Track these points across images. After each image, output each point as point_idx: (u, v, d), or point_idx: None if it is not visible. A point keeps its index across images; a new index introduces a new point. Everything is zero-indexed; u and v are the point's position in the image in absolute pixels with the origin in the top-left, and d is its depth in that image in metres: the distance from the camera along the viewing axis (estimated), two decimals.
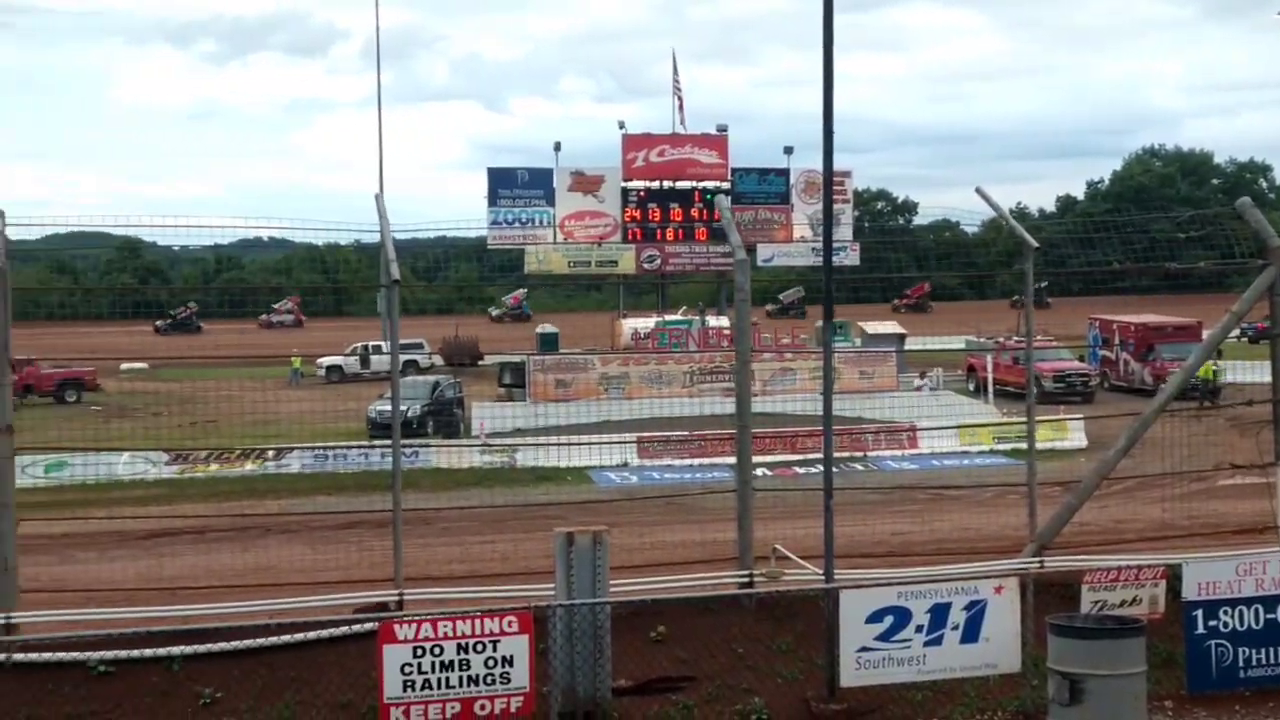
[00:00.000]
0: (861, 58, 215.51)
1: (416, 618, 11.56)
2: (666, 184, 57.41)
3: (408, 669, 11.25)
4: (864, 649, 12.40)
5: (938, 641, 12.53)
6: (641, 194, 57.13)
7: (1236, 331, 16.92)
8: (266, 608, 13.92)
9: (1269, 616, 13.39)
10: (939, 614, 12.52)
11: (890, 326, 59.11)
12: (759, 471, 15.76)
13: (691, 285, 67.16)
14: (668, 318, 57.89)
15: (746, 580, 14.55)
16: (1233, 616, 13.33)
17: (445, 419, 42.44)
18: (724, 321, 54.88)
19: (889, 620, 12.45)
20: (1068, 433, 38.07)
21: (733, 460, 14.80)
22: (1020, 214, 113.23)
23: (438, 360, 61.27)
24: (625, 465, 35.00)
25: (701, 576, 15.18)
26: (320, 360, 59.46)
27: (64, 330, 52.48)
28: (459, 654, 11.35)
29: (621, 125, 57.93)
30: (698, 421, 37.84)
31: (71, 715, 11.88)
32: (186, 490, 30.97)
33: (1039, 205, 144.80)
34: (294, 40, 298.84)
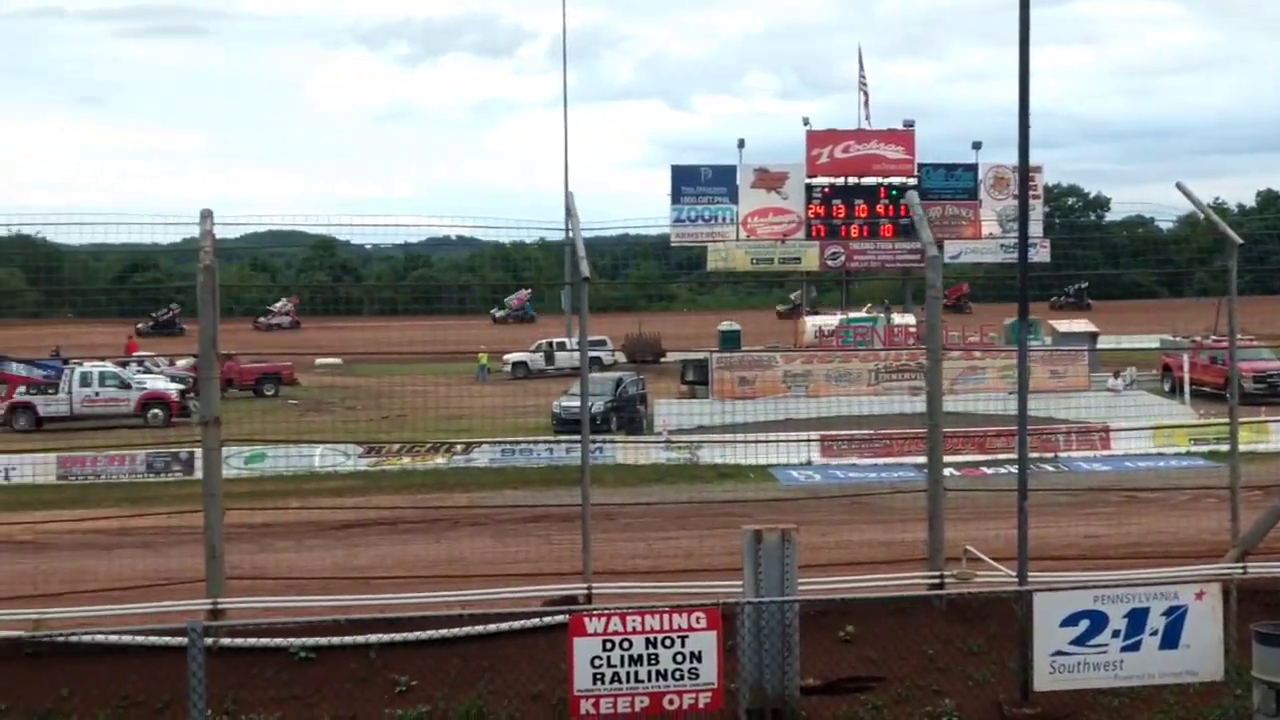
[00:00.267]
0: (1051, 51, 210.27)
1: (606, 611, 11.64)
2: (851, 180, 56.93)
3: (597, 662, 11.34)
4: (1058, 653, 12.11)
5: (1135, 647, 12.17)
6: (826, 190, 56.74)
7: None
8: (457, 598, 14.18)
9: None
10: (1137, 619, 12.16)
11: (1082, 324, 57.63)
12: (946, 471, 15.50)
13: (875, 282, 66.51)
14: (852, 315, 57.38)
15: (937, 581, 14.36)
16: None
17: (628, 415, 42.76)
18: (909, 319, 54.20)
19: (1084, 624, 12.13)
20: (1269, 435, 36.71)
21: (919, 460, 14.65)
22: (1219, 209, 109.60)
23: (620, 357, 61.73)
24: (808, 463, 34.78)
25: (890, 577, 15.02)
26: (506, 356, 60.39)
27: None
28: (648, 648, 11.39)
29: (806, 121, 57.67)
30: (882, 420, 37.44)
31: (275, 699, 12.26)
32: (379, 482, 31.72)
33: (1238, 200, 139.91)
34: (483, 41, 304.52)
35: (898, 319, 55.29)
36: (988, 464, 32.92)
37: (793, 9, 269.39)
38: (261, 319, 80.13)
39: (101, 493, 31.09)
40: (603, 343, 61.30)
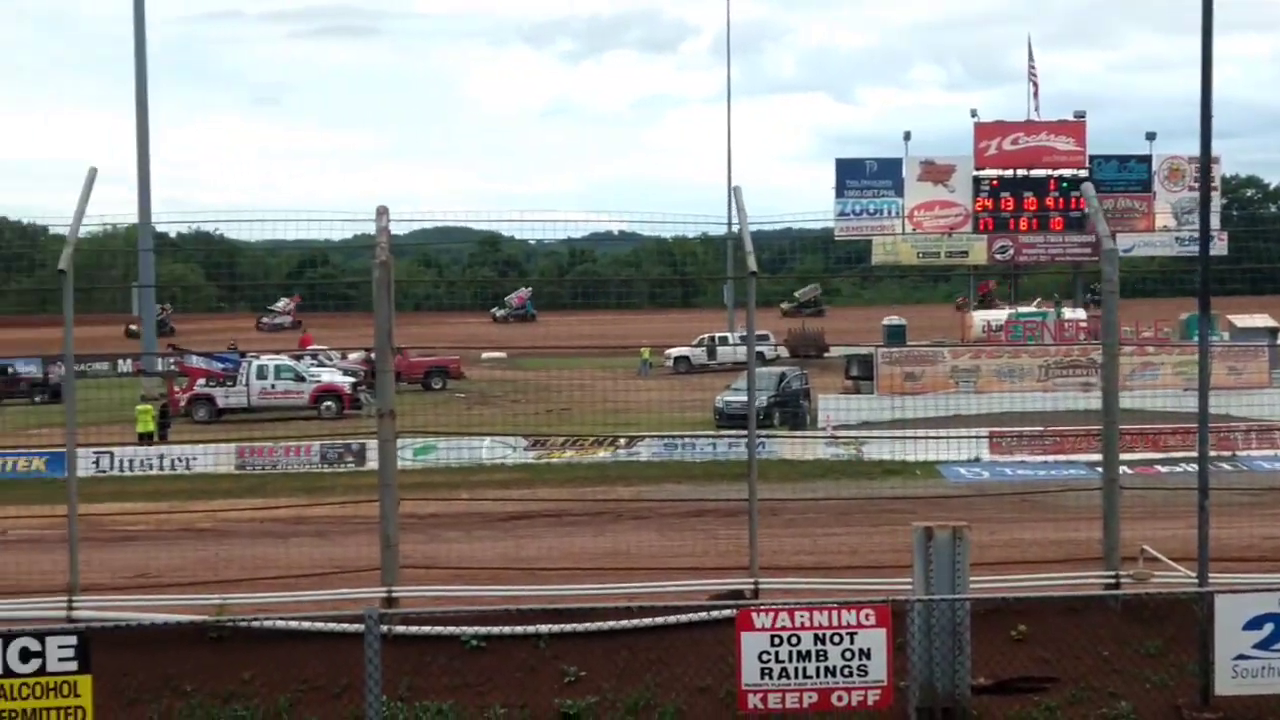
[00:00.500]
0: (1227, 39, 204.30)
1: (774, 607, 11.63)
2: (1020, 172, 55.91)
3: (765, 657, 11.33)
4: (1241, 656, 11.76)
5: None
6: (994, 183, 55.82)
7: None
8: (624, 590, 14.27)
9: None
10: None
11: (1262, 320, 55.77)
12: (1120, 469, 15.13)
13: (1045, 276, 65.24)
14: (1021, 310, 56.36)
15: (1113, 581, 14.04)
16: None
17: (791, 410, 42.56)
18: (1080, 314, 53.04)
19: (1269, 628, 11.75)
20: None
21: (1090, 457, 14.32)
22: None
23: (783, 352, 61.49)
24: (976, 460, 34.23)
25: (1062, 576, 14.73)
26: (668, 351, 60.56)
27: (431, 320, 55.28)
28: (816, 644, 11.35)
29: (974, 113, 56.85)
30: (1052, 417, 36.69)
31: (448, 687, 12.50)
32: (544, 475, 32.04)
33: None
34: (646, 37, 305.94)
35: (1068, 313, 54.12)
36: (1162, 462, 32.06)
37: None
38: (265, 319, 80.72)
39: (278, 482, 31.94)
40: (765, 337, 61.15)
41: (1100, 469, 14.98)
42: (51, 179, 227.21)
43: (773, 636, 11.34)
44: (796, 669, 11.33)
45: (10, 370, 53.96)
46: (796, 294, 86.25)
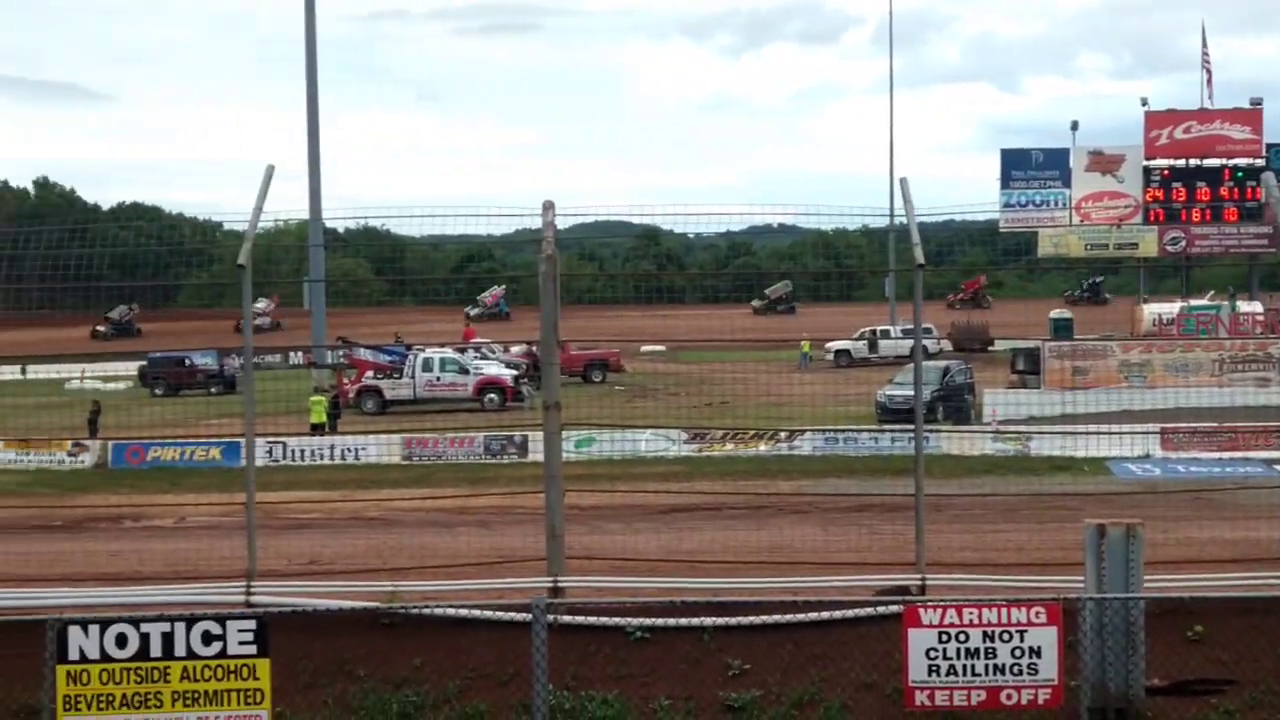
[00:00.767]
0: None
1: (942, 603, 11.48)
2: (1193, 162, 54.42)
3: (932, 653, 11.20)
4: None
5: None
6: (1165, 173, 54.41)
7: None
8: (786, 584, 14.23)
9: None
10: None
11: None
12: None
13: (1218, 268, 63.36)
14: (1194, 302, 54.81)
15: None
16: None
17: (955, 405, 41.91)
18: (1256, 307, 51.40)
19: None
20: None
21: (1268, 454, 13.88)
22: None
23: (946, 345, 60.64)
24: (1147, 457, 33.38)
25: (1240, 576, 14.31)
26: (829, 344, 60.13)
27: (591, 313, 55.64)
28: (985, 642, 11.19)
29: (1144, 102, 55.47)
30: (1227, 412, 35.62)
31: (613, 677, 12.59)
32: (703, 468, 32.07)
33: None
34: (807, 29, 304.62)
35: (1244, 306, 52.45)
36: None
37: None
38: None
39: (443, 473, 32.46)
40: (928, 330, 60.33)
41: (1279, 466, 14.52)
42: (226, 176, 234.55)
43: (940, 633, 11.21)
44: (965, 666, 11.19)
45: (188, 362, 55.73)
46: (767, 290, 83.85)
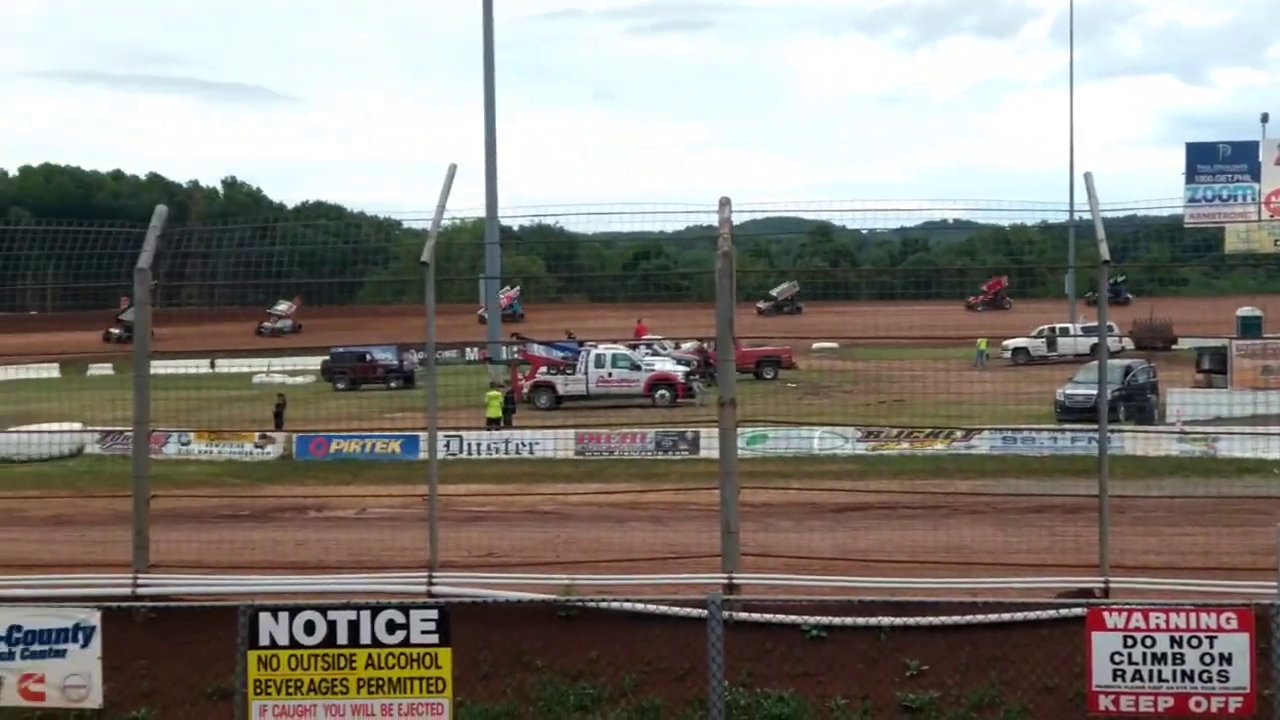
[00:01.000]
0: None
1: (1127, 607, 11.20)
2: None
3: (1117, 658, 10.93)
4: None
5: None
6: None
7: None
8: (965, 585, 14.03)
9: None
10: None
11: None
12: None
13: None
14: None
15: None
16: None
17: (1137, 404, 40.83)
18: None
19: None
20: None
21: None
22: None
23: (1127, 343, 59.09)
24: None
25: None
26: (1006, 342, 59.04)
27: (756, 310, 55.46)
28: (1172, 647, 10.88)
29: None
30: None
31: (789, 675, 12.57)
32: (877, 466, 31.72)
33: None
34: (984, 22, 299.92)
35: None
36: None
37: None
38: (266, 323, 77.41)
39: (615, 468, 32.68)
40: (1109, 329, 58.83)
41: None
42: (404, 175, 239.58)
43: (1125, 637, 10.94)
44: (1151, 672, 10.90)
45: (369, 357, 57.02)
46: (774, 291, 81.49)
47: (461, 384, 37.00)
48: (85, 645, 12.03)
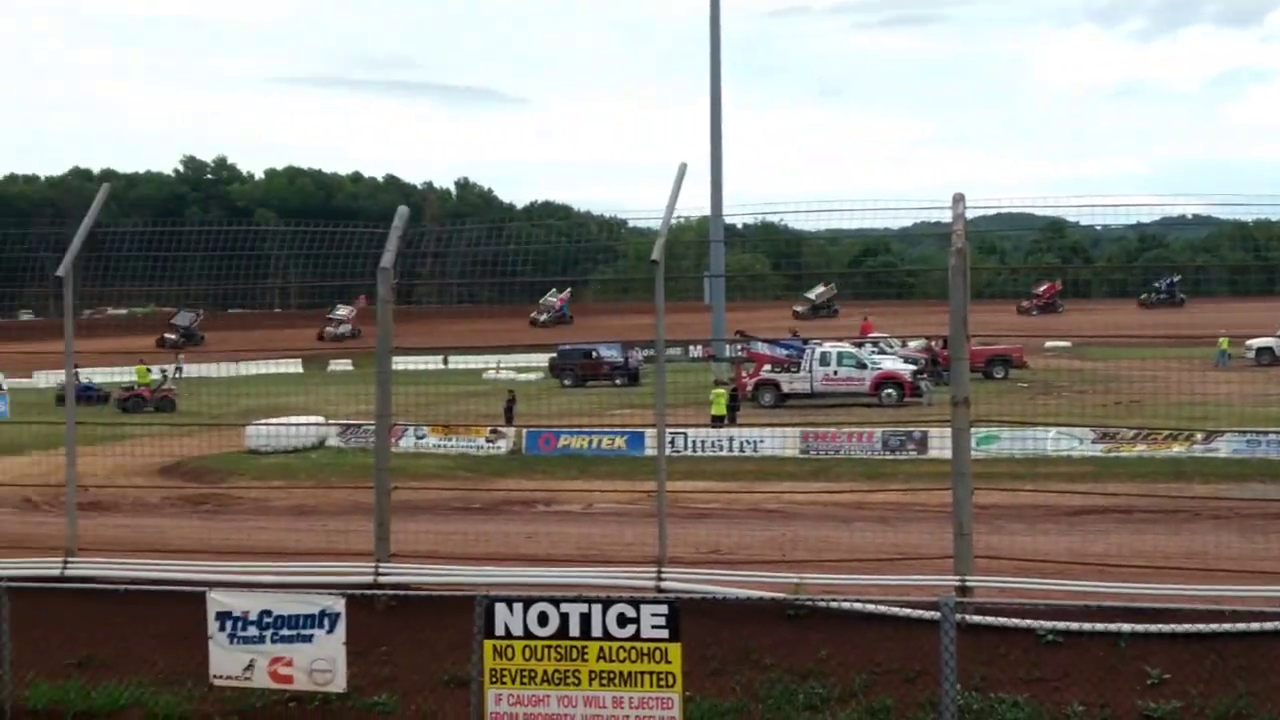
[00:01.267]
0: None
1: None
2: None
3: None
4: None
5: None
6: None
7: None
8: (1208, 593, 13.52)
9: None
10: None
11: None
12: None
13: None
14: None
15: None
16: None
17: None
18: None
19: None
20: None
21: None
22: None
23: None
24: None
25: None
26: (1250, 342, 56.68)
27: (991, 308, 54.28)
28: None
29: None
30: None
31: (1023, 680, 12.29)
32: (1112, 469, 30.84)
33: None
34: (1226, 10, 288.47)
35: None
36: None
37: None
38: (328, 328, 77.37)
39: (840, 467, 32.48)
40: None
41: None
42: (630, 175, 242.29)
43: None
44: None
45: (594, 354, 57.84)
46: (810, 294, 78.17)
47: (686, 381, 37.24)
48: (331, 631, 12.50)
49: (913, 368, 48.74)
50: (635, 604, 11.51)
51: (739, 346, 48.26)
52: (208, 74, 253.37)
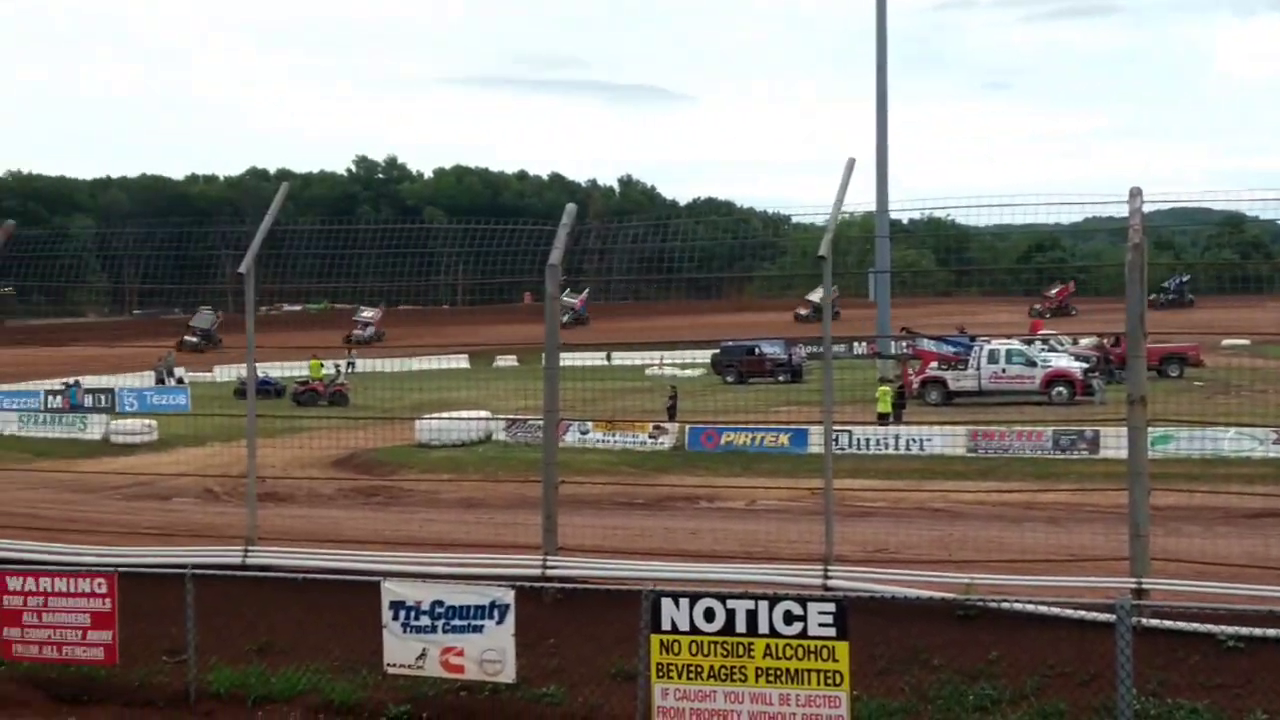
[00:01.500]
0: None
1: None
2: None
3: None
4: None
5: None
6: None
7: None
8: None
9: None
10: None
11: None
12: None
13: None
14: None
15: None
16: None
17: None
18: None
19: None
20: None
21: None
22: None
23: None
24: None
25: None
26: None
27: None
28: None
29: None
30: None
31: (1202, 686, 11.96)
32: None
33: None
34: None
35: None
36: None
37: None
38: (354, 331, 75.60)
39: (1009, 467, 31.91)
40: None
41: None
42: (793, 171, 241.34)
43: None
44: None
45: (757, 351, 57.69)
46: (810, 295, 73.91)
47: (851, 379, 36.95)
48: (500, 622, 12.70)
49: (1084, 365, 47.65)
50: (802, 602, 11.48)
51: (904, 343, 47.70)
52: (381, 76, 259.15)
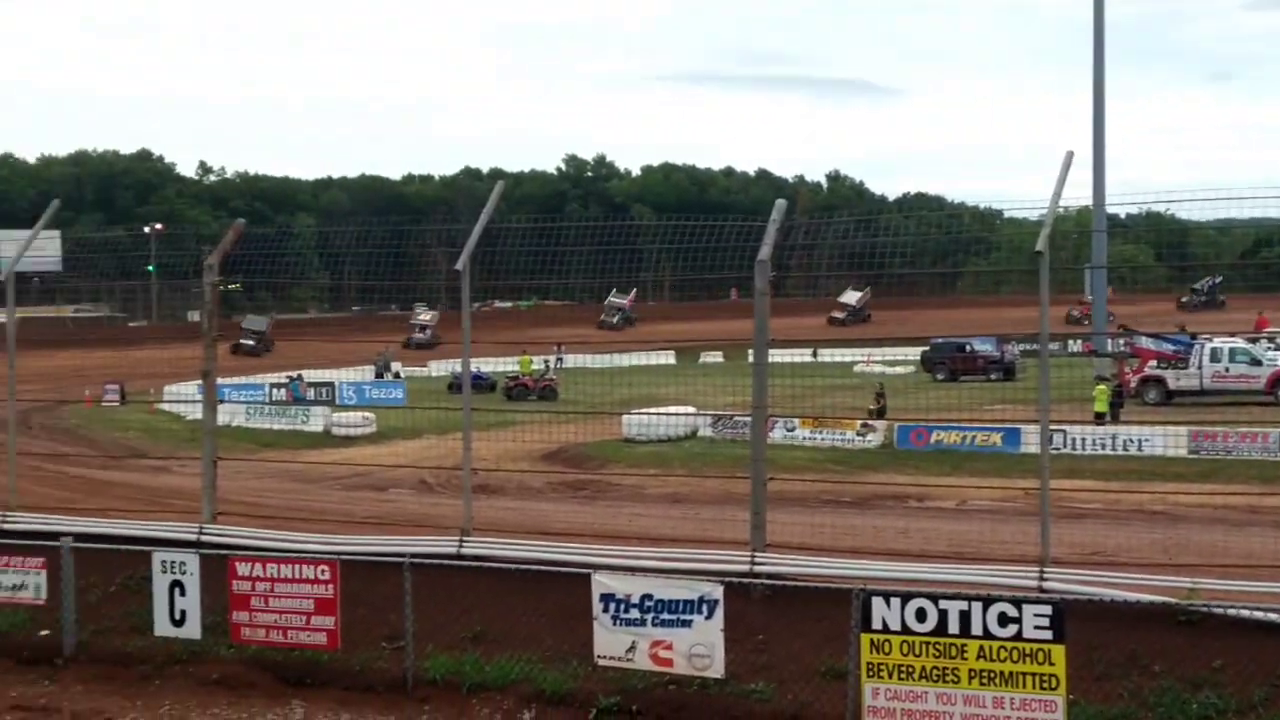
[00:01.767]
0: None
1: None
2: None
3: None
4: None
5: None
6: None
7: None
8: None
9: None
10: None
11: None
12: None
13: None
14: None
15: None
16: None
17: None
18: None
19: None
20: None
21: None
22: None
23: None
24: None
25: None
26: None
27: None
28: None
29: None
30: None
31: None
32: None
33: None
34: None
35: None
36: None
37: None
38: (413, 335, 73.95)
39: (1233, 469, 30.83)
40: None
41: None
42: (1007, 165, 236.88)
43: None
44: None
45: (969, 348, 56.82)
46: (842, 299, 70.35)
47: (1067, 377, 36.04)
48: (709, 617, 12.77)
49: None
50: (1017, 603, 11.30)
51: (1122, 341, 46.39)
52: (591, 75, 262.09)
